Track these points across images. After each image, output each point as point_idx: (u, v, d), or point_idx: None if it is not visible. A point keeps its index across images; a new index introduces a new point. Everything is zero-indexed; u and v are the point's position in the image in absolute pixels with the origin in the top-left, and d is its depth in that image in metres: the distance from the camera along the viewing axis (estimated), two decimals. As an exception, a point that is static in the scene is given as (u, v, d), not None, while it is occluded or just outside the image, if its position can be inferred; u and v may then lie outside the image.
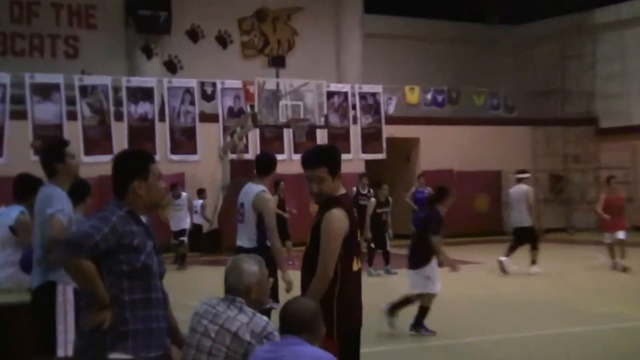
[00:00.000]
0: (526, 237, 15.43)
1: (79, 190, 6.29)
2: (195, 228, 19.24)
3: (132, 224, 3.93)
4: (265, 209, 7.50)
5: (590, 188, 27.24)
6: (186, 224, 17.87)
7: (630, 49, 26.58)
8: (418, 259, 9.63)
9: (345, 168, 21.58)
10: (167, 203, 17.77)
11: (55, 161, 5.90)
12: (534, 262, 15.36)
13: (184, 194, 18.28)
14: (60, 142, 6.15)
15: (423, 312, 9.61)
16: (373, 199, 15.82)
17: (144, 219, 4.06)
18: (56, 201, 5.68)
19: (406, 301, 9.76)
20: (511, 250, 15.59)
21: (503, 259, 15.32)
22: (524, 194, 15.66)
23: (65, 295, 5.71)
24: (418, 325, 9.60)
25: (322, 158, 4.87)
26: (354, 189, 18.69)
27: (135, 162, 4.05)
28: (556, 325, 10.19)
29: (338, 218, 4.70)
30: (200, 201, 19.74)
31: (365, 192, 18.49)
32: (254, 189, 7.71)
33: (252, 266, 4.27)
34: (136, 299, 3.88)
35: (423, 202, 19.75)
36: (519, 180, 16.17)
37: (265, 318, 4.15)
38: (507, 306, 11.99)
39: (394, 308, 9.75)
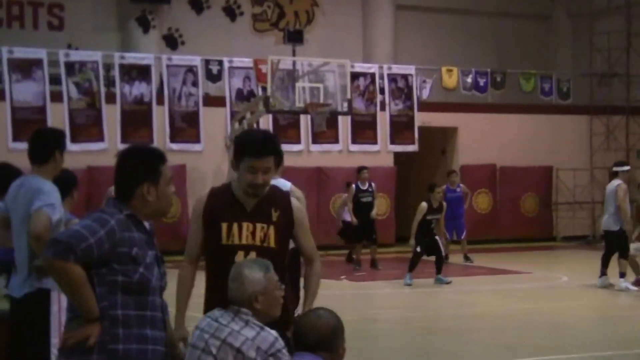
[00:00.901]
0: (613, 245, 14.91)
1: (64, 182, 6.36)
2: (346, 226, 19.01)
3: (133, 230, 3.92)
4: (304, 205, 8.06)
5: (657, 188, 27.10)
6: None
7: None
8: None
9: (372, 161, 21.94)
10: (175, 212, 17.59)
11: (55, 148, 5.99)
12: (622, 274, 14.86)
13: None
14: (62, 131, 6.29)
15: None
16: (424, 204, 15.69)
17: (146, 224, 4.04)
18: (46, 195, 5.75)
19: None
20: (604, 264, 15.09)
21: (600, 282, 15.01)
22: (613, 191, 14.94)
23: (61, 304, 5.78)
24: None
25: (274, 146, 5.08)
26: (353, 185, 18.69)
27: (145, 162, 4.01)
28: (612, 347, 10.19)
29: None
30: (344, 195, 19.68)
31: (365, 187, 18.52)
32: (284, 184, 7.94)
33: (255, 272, 4.29)
34: (130, 315, 3.88)
35: (456, 204, 19.67)
36: (614, 175, 15.38)
37: (274, 333, 4.18)
38: (562, 324, 12.01)
39: None
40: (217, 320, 4.25)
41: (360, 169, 18.86)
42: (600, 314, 12.93)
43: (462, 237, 19.80)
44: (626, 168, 15.64)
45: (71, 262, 3.73)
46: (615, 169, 15.59)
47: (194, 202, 5.12)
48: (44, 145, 6.00)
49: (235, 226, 4.93)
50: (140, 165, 4.01)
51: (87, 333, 3.80)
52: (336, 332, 3.97)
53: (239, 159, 4.96)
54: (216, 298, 4.58)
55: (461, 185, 20.42)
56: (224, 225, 4.93)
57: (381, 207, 23.55)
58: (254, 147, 4.96)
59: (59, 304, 5.80)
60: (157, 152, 4.12)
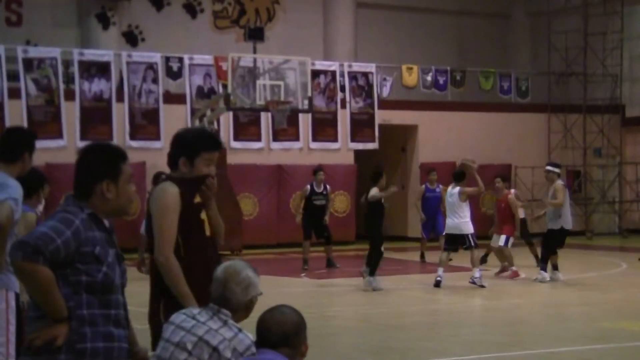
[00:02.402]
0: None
1: (31, 182, 6.35)
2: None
3: (94, 229, 3.93)
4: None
5: (613, 186, 27.43)
6: None
7: (662, 26, 26.75)
8: None
9: (332, 159, 21.79)
10: (135, 210, 17.42)
11: (25, 149, 5.95)
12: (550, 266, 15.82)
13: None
14: (33, 133, 6.25)
15: None
16: (375, 189, 15.52)
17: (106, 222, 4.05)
18: (12, 189, 5.71)
19: None
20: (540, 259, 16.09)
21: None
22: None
23: (8, 302, 5.73)
24: None
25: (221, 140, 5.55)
26: (307, 186, 18.53)
27: (105, 159, 4.02)
28: (568, 343, 10.31)
29: None
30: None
31: (320, 190, 18.37)
32: None
33: (255, 276, 4.37)
34: (96, 314, 3.89)
35: (435, 203, 19.60)
36: (559, 175, 16.34)
37: (251, 337, 4.20)
38: (519, 320, 12.13)
39: None
40: (194, 317, 4.26)
41: (317, 170, 18.50)
42: (556, 310, 13.09)
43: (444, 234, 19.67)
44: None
45: (40, 264, 3.73)
46: (559, 170, 16.44)
47: (164, 196, 5.14)
48: (15, 145, 5.97)
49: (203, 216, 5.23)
50: (100, 162, 4.01)
51: (55, 333, 3.80)
52: (299, 329, 3.99)
53: (196, 155, 5.21)
54: (198, 288, 4.79)
55: (441, 186, 20.07)
56: (203, 217, 5.22)
57: (341, 204, 23.63)
58: (211, 142, 5.31)
59: (6, 303, 5.74)
60: (118, 149, 4.12)
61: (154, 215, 5.14)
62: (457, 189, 15.54)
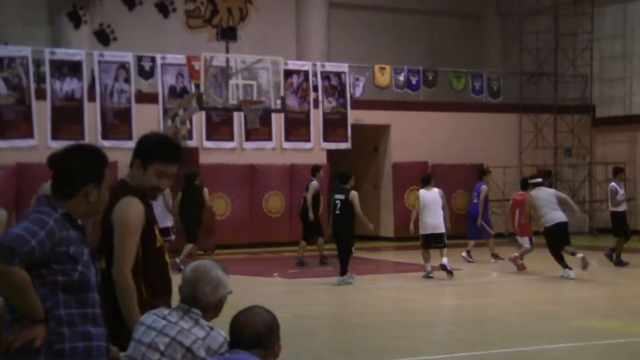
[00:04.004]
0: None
1: None
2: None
3: (69, 228, 3.93)
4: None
5: (583, 186, 27.64)
6: None
7: (633, 26, 26.98)
8: None
9: (305, 159, 21.81)
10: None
11: None
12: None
13: None
14: None
15: None
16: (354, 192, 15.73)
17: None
18: None
19: None
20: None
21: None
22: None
23: None
24: None
25: (182, 153, 5.23)
26: (315, 182, 18.64)
27: (94, 163, 4.04)
28: (539, 341, 10.38)
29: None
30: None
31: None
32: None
33: (225, 274, 4.36)
34: (73, 314, 3.90)
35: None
36: (537, 185, 16.58)
37: (223, 334, 4.21)
38: (490, 319, 12.20)
39: None
40: (165, 318, 4.26)
41: (319, 168, 18.90)
42: (527, 309, 13.17)
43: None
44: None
45: (16, 266, 3.73)
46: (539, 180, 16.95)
47: (129, 213, 4.85)
48: None
49: (156, 227, 5.02)
50: (88, 164, 4.03)
51: (33, 335, 3.80)
52: (272, 329, 3.98)
53: (149, 162, 4.93)
54: (156, 304, 4.66)
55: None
56: (155, 227, 5.00)
57: (314, 204, 23.67)
58: (168, 153, 4.97)
59: None
60: (103, 153, 4.15)
61: (117, 230, 4.85)
62: (436, 190, 15.98)
